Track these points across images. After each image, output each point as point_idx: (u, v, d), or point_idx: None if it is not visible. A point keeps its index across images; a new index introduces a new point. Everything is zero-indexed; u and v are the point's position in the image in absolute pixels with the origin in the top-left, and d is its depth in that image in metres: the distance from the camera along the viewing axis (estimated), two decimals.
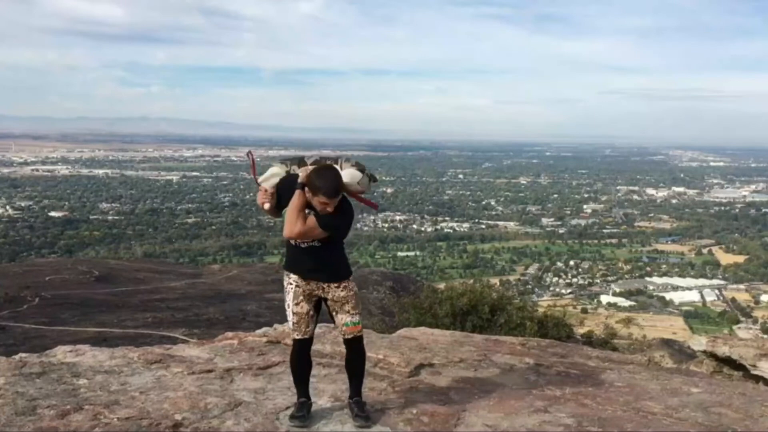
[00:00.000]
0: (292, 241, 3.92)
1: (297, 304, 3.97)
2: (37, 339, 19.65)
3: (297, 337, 4.00)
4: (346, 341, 4.03)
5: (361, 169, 3.97)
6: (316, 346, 4.98)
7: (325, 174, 3.74)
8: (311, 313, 4.01)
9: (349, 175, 3.90)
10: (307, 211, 3.82)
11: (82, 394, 4.39)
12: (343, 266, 4.02)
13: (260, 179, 4.04)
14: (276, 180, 4.02)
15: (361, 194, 4.00)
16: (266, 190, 3.99)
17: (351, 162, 4.03)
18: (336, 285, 3.95)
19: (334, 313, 4.03)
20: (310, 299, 4.00)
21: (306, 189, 3.77)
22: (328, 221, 3.78)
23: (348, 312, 3.97)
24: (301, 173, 3.85)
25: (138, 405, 4.18)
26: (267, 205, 3.99)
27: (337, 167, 3.91)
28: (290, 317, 4.01)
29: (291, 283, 4.00)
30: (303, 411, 3.98)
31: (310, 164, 3.97)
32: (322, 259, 3.90)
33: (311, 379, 4.22)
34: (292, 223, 3.78)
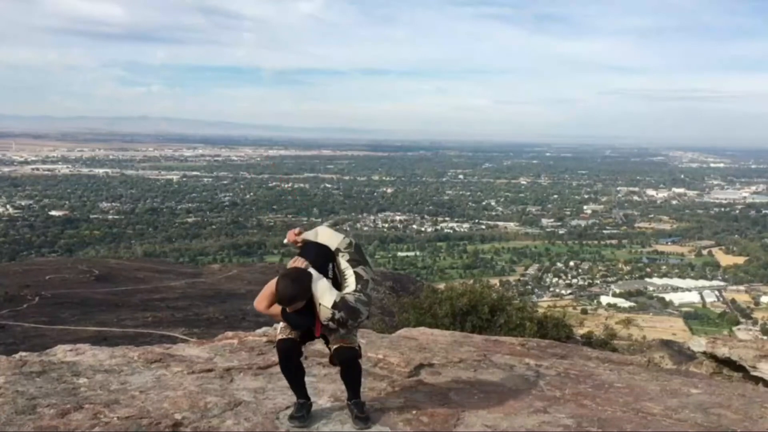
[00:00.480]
0: None
1: None
2: (37, 338, 19.68)
3: (281, 336, 3.94)
4: (336, 353, 3.89)
5: (346, 298, 3.73)
6: (315, 346, 4.98)
7: (285, 282, 3.66)
8: None
9: (320, 293, 3.69)
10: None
11: (82, 393, 4.39)
12: None
13: (308, 235, 4.08)
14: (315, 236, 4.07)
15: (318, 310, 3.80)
16: (298, 234, 4.08)
17: (354, 292, 3.79)
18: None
19: (330, 336, 3.95)
20: None
21: None
22: (289, 318, 3.79)
23: (339, 330, 3.88)
24: (291, 262, 3.89)
25: (138, 404, 4.18)
26: (286, 240, 4.10)
27: (314, 273, 3.74)
28: (279, 326, 4.01)
29: None
30: (302, 411, 3.97)
31: (347, 260, 3.93)
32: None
33: (311, 379, 4.21)
34: (261, 301, 3.87)
